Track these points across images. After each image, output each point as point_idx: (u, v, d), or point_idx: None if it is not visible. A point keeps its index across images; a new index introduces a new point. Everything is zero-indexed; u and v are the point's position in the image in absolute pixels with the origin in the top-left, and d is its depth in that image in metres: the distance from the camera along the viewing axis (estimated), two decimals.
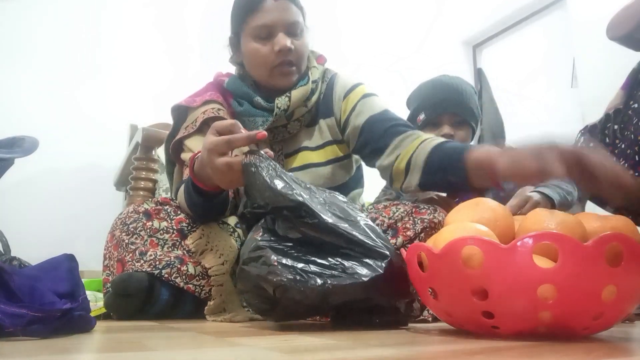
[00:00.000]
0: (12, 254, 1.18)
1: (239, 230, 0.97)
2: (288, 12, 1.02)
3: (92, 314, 0.73)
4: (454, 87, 1.49)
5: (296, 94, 1.05)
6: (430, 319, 0.82)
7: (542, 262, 0.51)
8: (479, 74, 3.45)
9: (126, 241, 0.92)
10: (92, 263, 1.45)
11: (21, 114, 2.03)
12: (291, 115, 1.07)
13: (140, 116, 2.11)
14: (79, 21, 2.26)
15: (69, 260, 0.69)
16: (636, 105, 1.09)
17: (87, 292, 0.72)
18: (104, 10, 2.33)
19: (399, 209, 0.90)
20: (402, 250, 0.69)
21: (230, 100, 1.10)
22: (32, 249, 1.32)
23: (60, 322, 0.57)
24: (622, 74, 1.25)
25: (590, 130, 1.19)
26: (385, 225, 0.89)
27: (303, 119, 1.09)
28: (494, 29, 3.33)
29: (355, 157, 1.15)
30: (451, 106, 1.46)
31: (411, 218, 0.87)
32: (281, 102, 1.04)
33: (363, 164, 1.16)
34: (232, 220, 1.00)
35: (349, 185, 1.13)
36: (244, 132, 0.75)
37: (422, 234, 0.85)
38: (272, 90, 1.06)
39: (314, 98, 1.09)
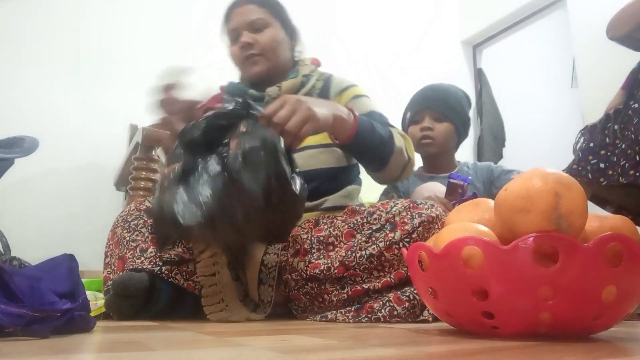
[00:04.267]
0: (12, 254, 1.18)
1: None
2: (248, 14, 1.17)
3: (92, 314, 0.73)
4: (438, 88, 1.60)
5: (287, 84, 1.16)
6: (430, 319, 0.82)
7: (543, 263, 0.51)
8: (479, 74, 3.46)
9: (127, 238, 0.93)
10: (92, 263, 1.44)
11: (21, 114, 2.03)
12: None
13: (140, 116, 2.11)
14: (78, 21, 2.26)
15: (69, 260, 0.69)
16: (636, 105, 1.09)
17: (87, 292, 0.72)
18: (104, 10, 2.32)
19: (397, 204, 0.91)
20: (403, 249, 0.69)
21: None
22: (32, 249, 1.32)
23: (60, 322, 0.57)
24: (622, 74, 1.25)
25: (590, 130, 1.19)
26: (383, 219, 0.89)
27: None
28: (494, 29, 3.33)
29: None
30: (430, 102, 1.57)
31: (409, 212, 0.88)
32: (272, 90, 1.15)
33: None
34: None
35: (343, 175, 1.15)
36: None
37: (420, 228, 0.85)
38: (264, 85, 1.17)
39: (304, 90, 1.17)
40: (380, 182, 1.18)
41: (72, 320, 0.59)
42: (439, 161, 1.57)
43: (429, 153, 1.57)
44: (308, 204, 1.09)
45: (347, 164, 1.16)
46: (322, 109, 0.89)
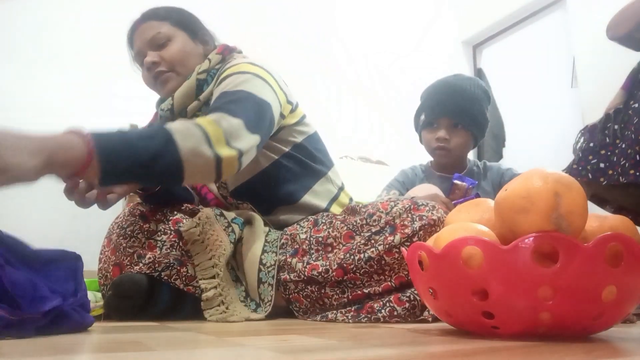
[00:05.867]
0: None
1: (234, 226, 0.97)
2: (147, 31, 1.08)
3: (92, 314, 0.73)
4: (456, 90, 1.46)
5: (179, 91, 1.06)
6: (430, 319, 0.82)
7: (543, 263, 0.51)
8: (479, 74, 3.46)
9: (124, 245, 0.92)
10: (92, 263, 1.44)
11: (21, 114, 2.03)
12: (184, 112, 1.07)
13: (140, 116, 2.11)
14: (80, 21, 2.27)
15: (75, 260, 0.68)
16: (636, 105, 1.09)
17: (87, 292, 0.72)
18: (104, 10, 2.33)
19: (397, 204, 0.89)
20: (403, 249, 0.68)
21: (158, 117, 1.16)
22: None
23: (42, 323, 0.57)
24: (622, 74, 1.25)
25: (590, 130, 1.19)
26: (382, 221, 0.87)
27: (201, 113, 1.06)
28: (494, 29, 3.33)
29: (287, 149, 1.08)
30: (447, 111, 1.45)
31: (409, 215, 0.86)
32: (164, 104, 1.08)
33: (321, 155, 1.14)
34: (230, 215, 0.99)
35: (281, 174, 1.07)
36: None
37: (421, 232, 0.84)
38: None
39: (209, 89, 1.06)
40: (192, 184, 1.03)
41: (60, 319, 0.59)
42: (450, 163, 1.51)
43: (443, 163, 1.51)
44: (267, 218, 1.06)
45: (272, 160, 1.06)
46: (18, 151, 0.64)
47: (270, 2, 2.79)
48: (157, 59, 1.06)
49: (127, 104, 2.23)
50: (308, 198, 1.08)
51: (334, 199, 1.14)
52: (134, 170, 0.77)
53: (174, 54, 1.07)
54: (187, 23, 1.12)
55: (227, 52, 1.12)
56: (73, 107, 2.17)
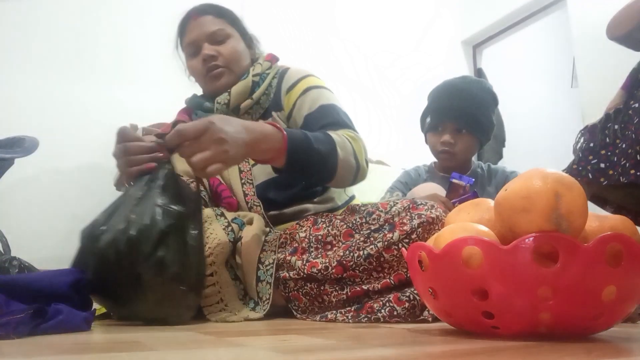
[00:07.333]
0: (12, 254, 1.18)
1: (234, 225, 0.97)
2: (207, 25, 1.15)
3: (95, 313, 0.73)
4: (463, 95, 1.46)
5: (236, 88, 1.13)
6: (430, 319, 0.82)
7: (543, 263, 0.51)
8: (479, 74, 3.46)
9: None
10: None
11: (21, 114, 2.03)
12: (238, 109, 1.13)
13: (140, 116, 2.11)
14: (79, 20, 2.26)
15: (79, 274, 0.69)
16: (636, 105, 1.09)
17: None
18: (105, 10, 2.32)
19: (396, 204, 0.90)
20: (402, 249, 0.69)
21: (192, 116, 1.19)
22: (32, 249, 1.32)
23: (31, 323, 0.57)
24: (622, 74, 1.25)
25: (590, 130, 1.19)
26: (382, 220, 0.88)
27: (252, 111, 1.15)
28: (494, 29, 3.33)
29: None
30: (452, 115, 1.45)
31: (408, 213, 0.87)
32: (221, 98, 1.13)
33: None
34: (231, 215, 1.00)
35: None
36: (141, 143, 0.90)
37: (419, 229, 0.85)
38: (219, 95, 1.14)
39: (260, 90, 1.14)
40: (332, 187, 1.12)
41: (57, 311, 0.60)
42: (455, 166, 1.51)
43: (447, 166, 1.51)
44: (285, 211, 1.09)
45: None
46: (237, 136, 0.78)
47: (270, 2, 2.80)
48: (215, 53, 1.13)
49: (126, 104, 2.23)
50: (326, 193, 1.14)
51: (347, 201, 1.19)
52: (306, 166, 0.91)
53: (232, 52, 1.15)
54: (238, 24, 1.20)
55: (274, 61, 1.22)
56: (72, 107, 2.17)
